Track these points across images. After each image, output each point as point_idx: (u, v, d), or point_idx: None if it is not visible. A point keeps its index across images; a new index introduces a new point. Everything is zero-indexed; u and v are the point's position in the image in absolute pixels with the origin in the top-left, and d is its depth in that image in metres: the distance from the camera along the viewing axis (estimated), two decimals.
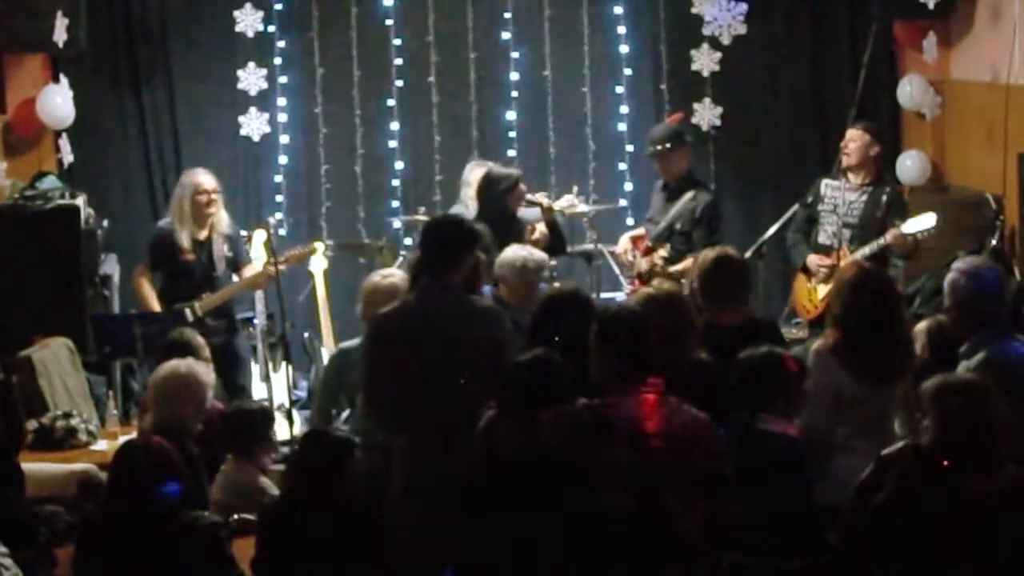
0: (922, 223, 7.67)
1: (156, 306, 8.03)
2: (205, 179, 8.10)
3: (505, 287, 6.85)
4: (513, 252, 6.94)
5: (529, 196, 8.04)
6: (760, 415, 5.01)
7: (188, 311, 7.97)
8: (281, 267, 8.01)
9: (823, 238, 8.03)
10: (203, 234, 8.07)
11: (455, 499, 4.93)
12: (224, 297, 8.04)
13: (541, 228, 7.97)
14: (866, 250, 7.70)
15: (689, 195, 8.07)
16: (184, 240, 8.02)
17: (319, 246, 8.69)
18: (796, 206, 8.19)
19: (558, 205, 8.82)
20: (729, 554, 4.91)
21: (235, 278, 8.23)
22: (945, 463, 4.30)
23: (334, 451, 5.03)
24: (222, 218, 8.09)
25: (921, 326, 5.90)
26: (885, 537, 4.33)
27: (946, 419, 4.34)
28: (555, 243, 8.14)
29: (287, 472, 5.39)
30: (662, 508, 4.49)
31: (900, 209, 7.97)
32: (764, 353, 5.15)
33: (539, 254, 7.00)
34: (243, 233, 8.57)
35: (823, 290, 7.83)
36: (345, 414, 6.96)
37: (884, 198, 7.91)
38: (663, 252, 8.01)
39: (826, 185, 8.07)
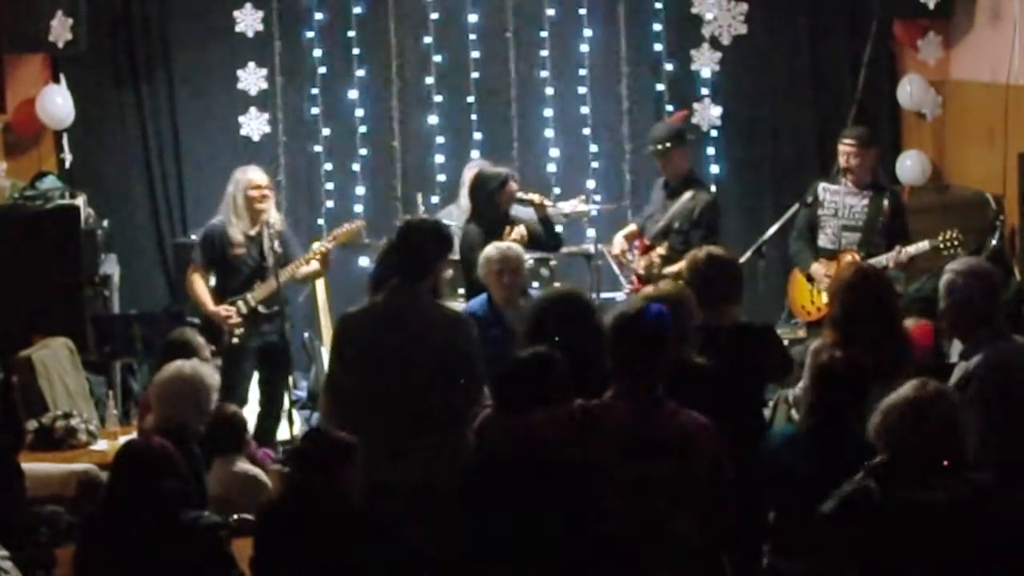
0: (920, 247, 7.73)
1: (210, 303, 7.91)
2: (257, 175, 8.01)
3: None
4: (487, 248, 7.08)
5: (521, 194, 8.03)
6: (849, 417, 5.01)
7: (241, 303, 7.91)
8: (329, 245, 8.01)
9: (824, 241, 8.03)
10: (254, 230, 7.97)
11: (415, 504, 4.95)
12: (274, 285, 7.85)
13: (519, 230, 7.88)
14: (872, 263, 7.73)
15: (688, 195, 8.06)
16: (236, 235, 7.94)
17: (361, 222, 8.59)
18: (796, 206, 8.19)
19: (563, 209, 8.83)
20: (776, 558, 4.93)
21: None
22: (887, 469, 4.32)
23: (334, 451, 5.04)
24: (273, 214, 8.04)
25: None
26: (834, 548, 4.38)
27: (889, 435, 4.35)
28: (550, 240, 8.13)
29: (288, 471, 5.40)
30: (655, 511, 4.48)
31: (902, 214, 8.00)
32: (845, 359, 5.11)
33: (506, 247, 6.97)
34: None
35: (826, 293, 7.84)
36: None
37: (886, 203, 7.91)
38: (660, 250, 8.00)
39: (824, 189, 8.05)
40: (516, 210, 8.09)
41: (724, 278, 5.84)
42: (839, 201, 7.97)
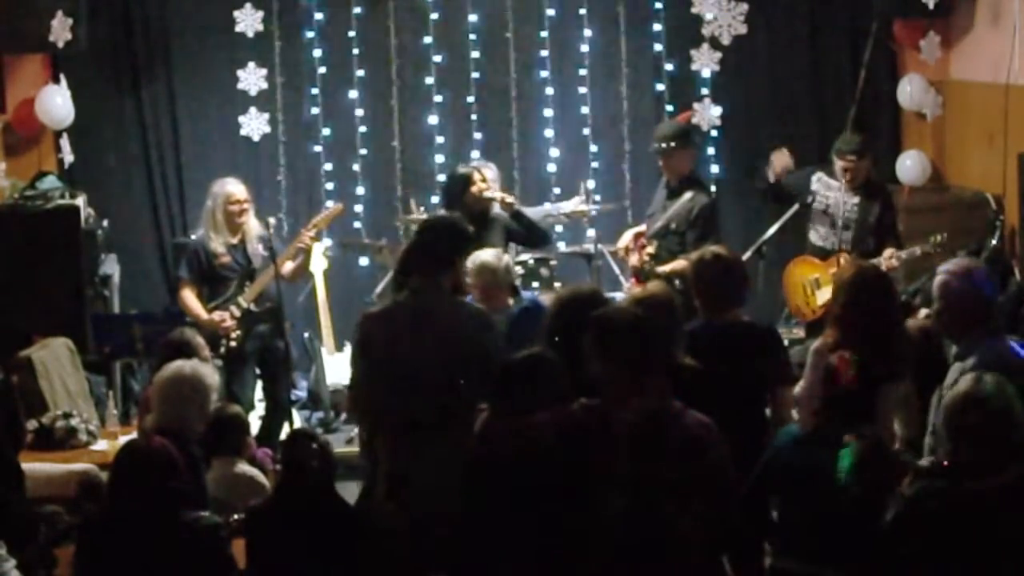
0: (911, 252, 7.87)
1: (203, 313, 7.93)
2: (236, 189, 8.01)
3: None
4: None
5: (488, 193, 7.89)
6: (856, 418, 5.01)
7: (233, 307, 7.93)
8: (311, 233, 8.01)
9: (815, 239, 8.09)
10: (236, 239, 8.01)
11: (441, 501, 4.95)
12: (264, 283, 7.89)
13: None
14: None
15: (688, 196, 8.04)
16: (218, 247, 7.97)
17: (339, 206, 8.59)
18: (796, 206, 8.19)
19: (567, 207, 8.80)
20: (780, 559, 4.92)
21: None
22: (945, 464, 4.35)
23: (322, 451, 5.05)
24: (253, 225, 8.04)
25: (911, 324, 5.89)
26: (906, 548, 4.39)
27: (952, 432, 4.37)
28: (529, 236, 8.05)
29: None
30: (661, 512, 4.48)
31: (891, 212, 8.06)
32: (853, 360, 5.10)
33: (481, 261, 6.84)
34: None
35: (822, 295, 7.85)
36: None
37: (877, 208, 7.96)
38: (650, 249, 7.96)
39: (818, 180, 8.08)
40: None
41: (729, 278, 5.83)
42: (832, 197, 8.00)
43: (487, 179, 7.96)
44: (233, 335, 7.90)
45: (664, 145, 8.12)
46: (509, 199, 8.01)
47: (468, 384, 5.31)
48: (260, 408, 8.22)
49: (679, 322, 5.49)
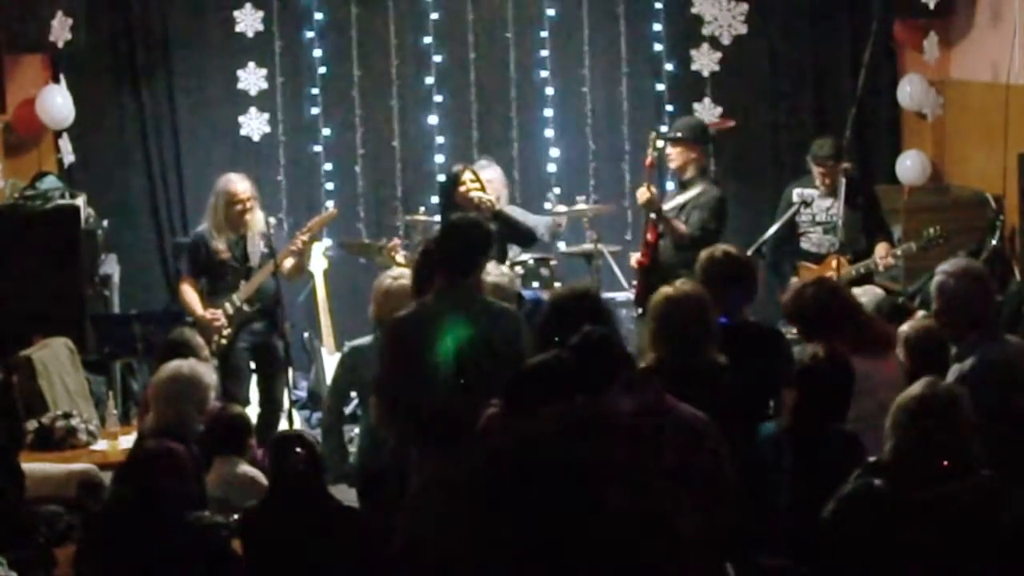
0: (906, 249, 8.00)
1: (198, 309, 7.94)
2: (240, 187, 7.99)
3: None
4: None
5: (473, 193, 7.74)
6: (831, 415, 5.02)
7: (228, 304, 7.94)
8: (305, 236, 8.00)
9: (807, 245, 8.19)
10: (238, 235, 8.02)
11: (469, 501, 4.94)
12: (257, 282, 7.91)
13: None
14: (861, 268, 7.89)
15: (699, 188, 8.07)
16: (220, 242, 7.97)
17: (334, 210, 8.57)
18: (795, 207, 8.21)
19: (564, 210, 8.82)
20: (766, 557, 4.93)
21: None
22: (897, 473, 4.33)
23: (308, 454, 5.06)
24: (257, 219, 8.03)
25: (902, 330, 5.89)
26: (836, 551, 4.37)
27: (895, 433, 4.34)
28: (514, 237, 8.01)
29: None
30: (660, 508, 4.48)
31: (876, 207, 8.17)
32: (827, 358, 5.12)
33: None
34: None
35: None
36: (352, 406, 6.96)
37: (862, 206, 8.06)
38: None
39: (799, 194, 8.16)
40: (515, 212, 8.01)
41: (738, 276, 5.83)
42: (816, 204, 8.11)
43: (480, 179, 7.91)
44: (224, 332, 7.91)
45: (673, 134, 8.16)
46: (487, 199, 7.84)
47: (499, 384, 5.27)
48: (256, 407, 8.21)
49: (712, 321, 5.44)
